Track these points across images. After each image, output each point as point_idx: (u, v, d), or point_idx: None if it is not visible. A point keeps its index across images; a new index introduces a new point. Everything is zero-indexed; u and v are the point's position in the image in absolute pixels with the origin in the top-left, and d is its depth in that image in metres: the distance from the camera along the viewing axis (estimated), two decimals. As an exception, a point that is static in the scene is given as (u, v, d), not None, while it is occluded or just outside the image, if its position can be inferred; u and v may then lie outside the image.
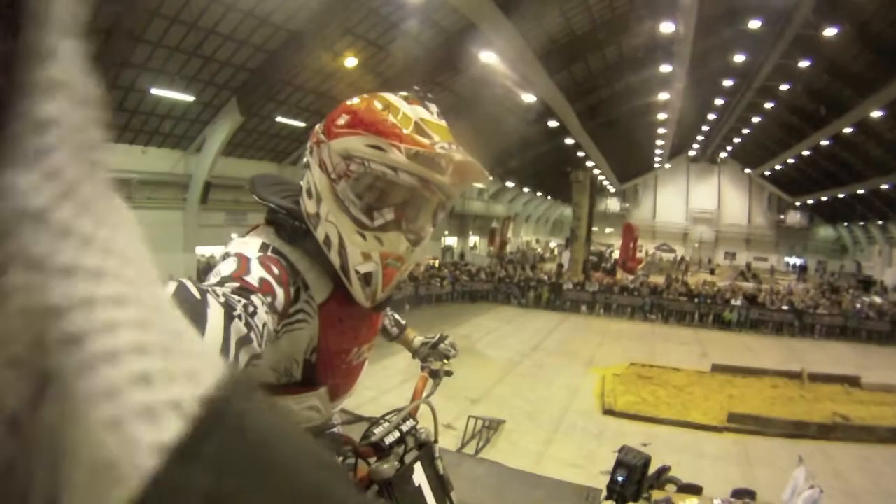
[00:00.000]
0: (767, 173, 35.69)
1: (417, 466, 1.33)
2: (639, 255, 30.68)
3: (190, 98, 11.68)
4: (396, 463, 1.27)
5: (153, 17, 9.49)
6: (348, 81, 13.93)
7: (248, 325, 0.69)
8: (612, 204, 41.42)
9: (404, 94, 1.02)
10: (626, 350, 13.84)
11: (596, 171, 29.42)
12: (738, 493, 4.87)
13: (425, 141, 0.94)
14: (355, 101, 1.01)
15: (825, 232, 37.83)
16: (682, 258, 38.38)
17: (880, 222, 27.99)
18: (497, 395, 9.96)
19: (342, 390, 1.20)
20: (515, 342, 14.02)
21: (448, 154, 0.93)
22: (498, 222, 31.32)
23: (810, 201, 34.58)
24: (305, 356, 1.05)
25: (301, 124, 14.50)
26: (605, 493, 3.77)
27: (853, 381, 11.52)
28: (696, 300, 18.66)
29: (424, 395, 1.51)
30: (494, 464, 4.48)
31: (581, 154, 25.13)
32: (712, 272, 31.98)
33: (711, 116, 28.82)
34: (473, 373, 11.22)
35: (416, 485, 1.30)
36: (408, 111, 0.97)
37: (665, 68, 17.28)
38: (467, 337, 14.19)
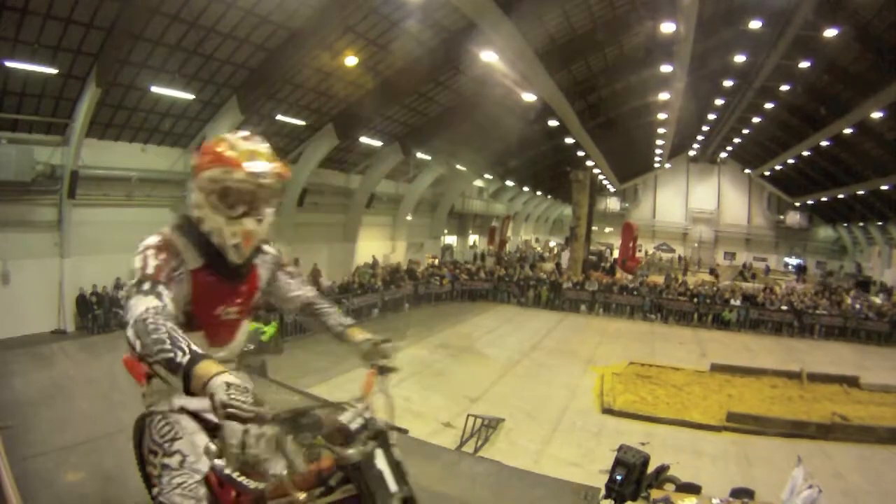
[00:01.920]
0: (767, 173, 35.60)
1: (379, 452, 1.48)
2: (638, 254, 30.69)
3: (190, 96, 11.65)
4: (362, 447, 1.43)
5: (154, 14, 9.47)
6: (348, 80, 13.88)
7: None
8: (612, 203, 41.38)
9: (244, 134, 1.65)
10: (625, 349, 13.85)
11: (596, 171, 29.35)
12: (736, 493, 4.87)
13: (255, 165, 1.58)
14: (212, 143, 1.64)
15: (825, 232, 37.80)
16: (682, 258, 38.40)
17: (880, 223, 27.95)
18: (496, 393, 9.95)
19: (221, 339, 1.77)
20: (515, 341, 14.02)
21: (264, 169, 1.59)
22: (497, 221, 31.29)
23: (810, 202, 34.52)
24: (183, 308, 1.60)
25: (301, 122, 14.47)
26: (603, 492, 3.76)
27: (852, 382, 11.53)
28: (695, 300, 18.67)
29: (377, 388, 1.75)
30: (493, 462, 4.48)
31: (581, 153, 25.07)
32: (712, 272, 31.95)
33: (711, 116, 28.75)
34: (473, 371, 11.22)
35: (379, 469, 1.46)
36: (244, 146, 1.60)
37: (665, 68, 17.20)
38: (467, 336, 14.18)
